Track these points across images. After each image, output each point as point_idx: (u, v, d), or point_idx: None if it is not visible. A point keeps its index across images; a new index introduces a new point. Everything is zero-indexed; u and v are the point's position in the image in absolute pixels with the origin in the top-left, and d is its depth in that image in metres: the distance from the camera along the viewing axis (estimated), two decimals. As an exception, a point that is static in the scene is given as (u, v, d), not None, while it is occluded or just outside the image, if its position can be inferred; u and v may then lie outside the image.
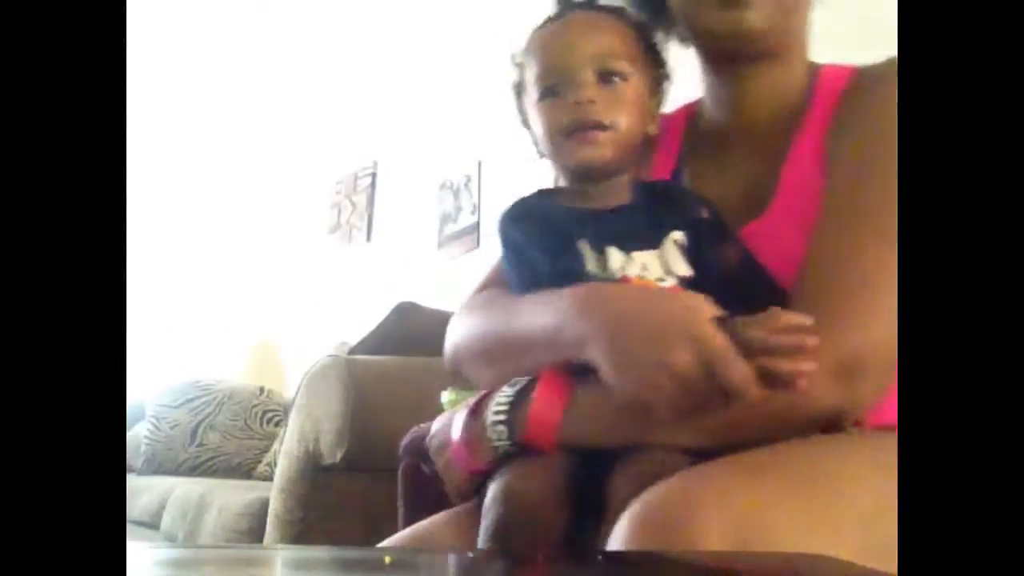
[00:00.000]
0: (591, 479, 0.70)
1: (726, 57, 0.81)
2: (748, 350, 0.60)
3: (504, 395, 0.72)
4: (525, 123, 0.85)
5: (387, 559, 0.51)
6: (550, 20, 0.82)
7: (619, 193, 0.79)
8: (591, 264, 0.73)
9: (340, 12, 3.51)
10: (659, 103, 0.81)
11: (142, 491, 2.69)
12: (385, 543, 0.84)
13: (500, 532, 0.67)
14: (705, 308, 0.63)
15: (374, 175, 3.83)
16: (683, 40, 0.84)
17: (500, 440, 0.71)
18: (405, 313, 1.93)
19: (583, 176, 0.80)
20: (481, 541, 0.68)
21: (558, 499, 0.68)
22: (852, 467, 0.63)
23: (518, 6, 3.04)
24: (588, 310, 0.68)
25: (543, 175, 2.93)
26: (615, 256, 0.73)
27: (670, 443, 0.66)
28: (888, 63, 0.78)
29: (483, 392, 0.76)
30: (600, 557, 0.56)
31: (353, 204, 3.91)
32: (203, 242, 4.57)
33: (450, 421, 0.78)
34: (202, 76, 3.97)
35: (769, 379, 0.60)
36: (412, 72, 3.56)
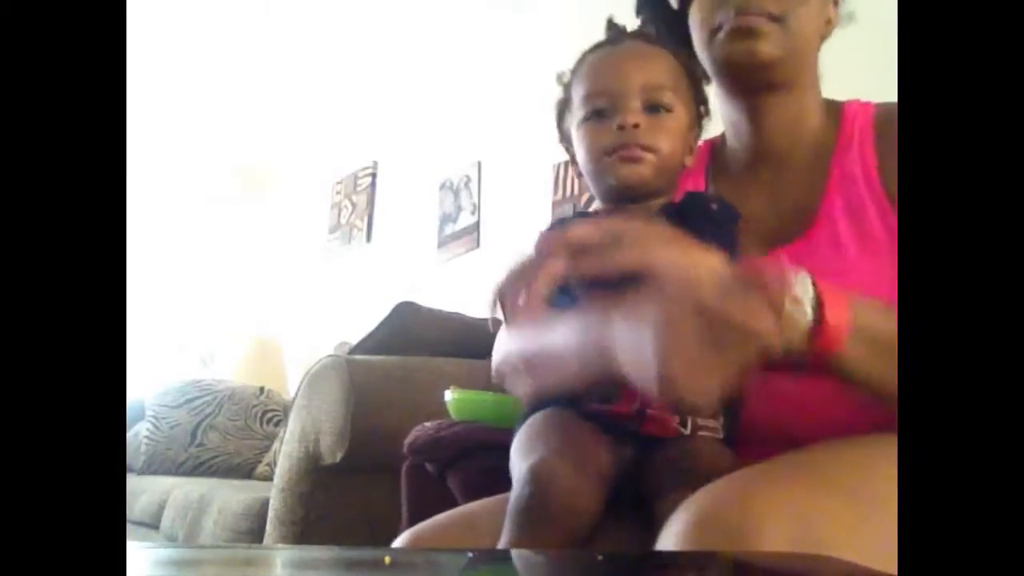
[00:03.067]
0: (628, 469, 0.71)
1: (743, 88, 0.85)
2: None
3: (802, 280, 0.62)
4: (564, 140, 0.87)
5: (387, 559, 0.51)
6: (602, 45, 0.84)
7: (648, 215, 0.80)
8: None
9: (341, 13, 3.51)
10: (698, 136, 0.84)
11: (142, 491, 2.68)
12: (436, 519, 0.84)
13: (526, 512, 0.66)
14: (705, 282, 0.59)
15: (374, 175, 3.83)
16: (705, 77, 0.88)
17: (801, 320, 0.61)
18: (405, 313, 1.93)
19: (620, 197, 0.81)
20: (507, 522, 0.67)
21: (585, 486, 0.67)
22: (885, 470, 0.62)
23: (517, 7, 3.05)
24: (596, 348, 0.64)
25: (543, 176, 2.93)
26: None
27: None
28: None
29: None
30: (600, 558, 0.57)
31: (353, 204, 3.91)
32: (203, 242, 4.57)
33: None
34: (203, 76, 3.97)
35: None
36: (412, 72, 3.56)
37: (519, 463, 0.71)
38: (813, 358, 0.61)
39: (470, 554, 0.52)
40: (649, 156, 0.78)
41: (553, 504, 0.66)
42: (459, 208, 3.15)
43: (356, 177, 3.93)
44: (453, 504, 1.04)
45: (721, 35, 0.81)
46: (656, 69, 0.80)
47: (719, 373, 0.57)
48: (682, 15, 0.86)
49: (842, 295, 0.63)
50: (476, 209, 3.06)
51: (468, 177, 3.13)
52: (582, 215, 0.86)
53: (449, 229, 3.19)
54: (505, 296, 0.66)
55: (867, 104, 0.87)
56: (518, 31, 2.99)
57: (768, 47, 0.80)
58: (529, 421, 0.78)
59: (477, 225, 3.04)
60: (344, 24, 3.57)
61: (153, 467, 3.16)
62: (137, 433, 3.29)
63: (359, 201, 3.88)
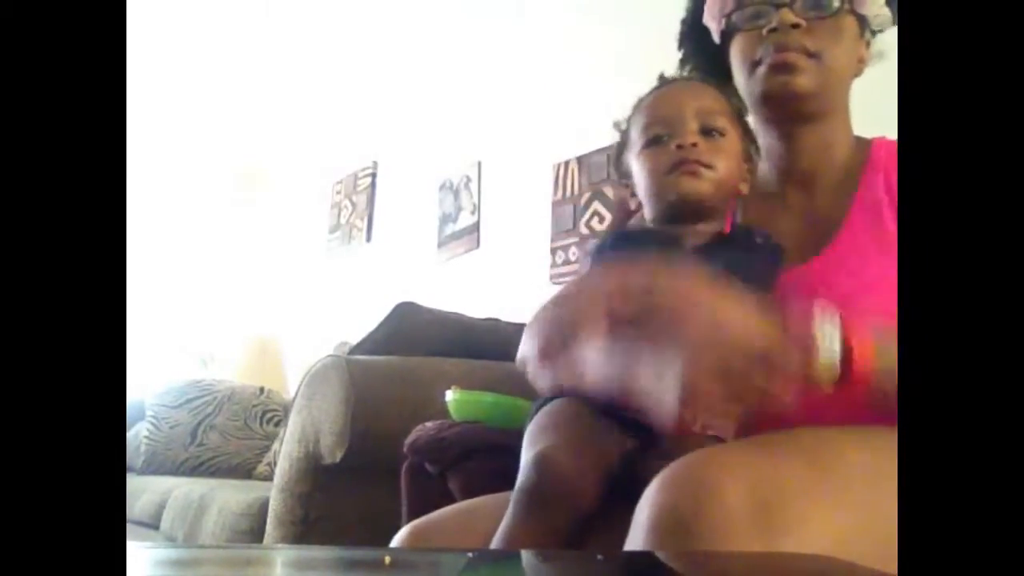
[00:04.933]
0: (632, 462, 0.73)
1: (780, 118, 0.90)
2: None
3: (829, 330, 0.68)
4: (623, 177, 0.92)
5: (387, 559, 0.51)
6: (656, 88, 0.91)
7: (699, 240, 0.84)
8: None
9: (341, 13, 3.51)
10: (751, 170, 0.90)
11: (142, 491, 2.68)
12: (435, 514, 0.88)
13: (530, 495, 0.70)
14: (754, 330, 0.66)
15: (374, 175, 3.83)
16: (744, 107, 0.94)
17: (829, 357, 0.68)
18: (405, 313, 1.93)
19: (678, 215, 0.84)
20: (510, 505, 0.71)
21: (588, 474, 0.71)
22: (855, 450, 0.69)
23: (517, 8, 3.05)
24: (623, 383, 0.70)
25: (543, 176, 2.93)
26: None
27: None
28: None
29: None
30: (600, 557, 0.57)
31: (353, 204, 3.91)
32: (204, 242, 4.57)
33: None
34: (204, 76, 3.97)
35: None
36: (412, 72, 3.56)
37: (527, 451, 0.76)
38: (843, 394, 0.68)
39: (470, 554, 0.52)
40: (708, 172, 0.82)
41: (555, 486, 0.70)
42: (459, 208, 3.15)
43: (356, 177, 3.93)
44: (451, 503, 1.04)
45: (761, 69, 0.86)
46: (709, 97, 0.86)
47: (736, 411, 0.65)
48: (723, 49, 0.92)
49: (868, 333, 0.69)
50: (476, 209, 3.06)
51: (468, 177, 3.13)
52: (623, 235, 0.90)
53: (449, 229, 3.19)
54: (542, 345, 0.73)
55: (894, 141, 0.91)
56: (518, 31, 2.99)
57: (804, 81, 0.85)
58: (540, 413, 0.81)
59: (477, 225, 3.04)
60: (344, 24, 3.57)
61: (153, 467, 3.16)
62: (137, 433, 3.29)
63: (359, 201, 3.88)
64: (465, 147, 3.17)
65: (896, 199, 0.86)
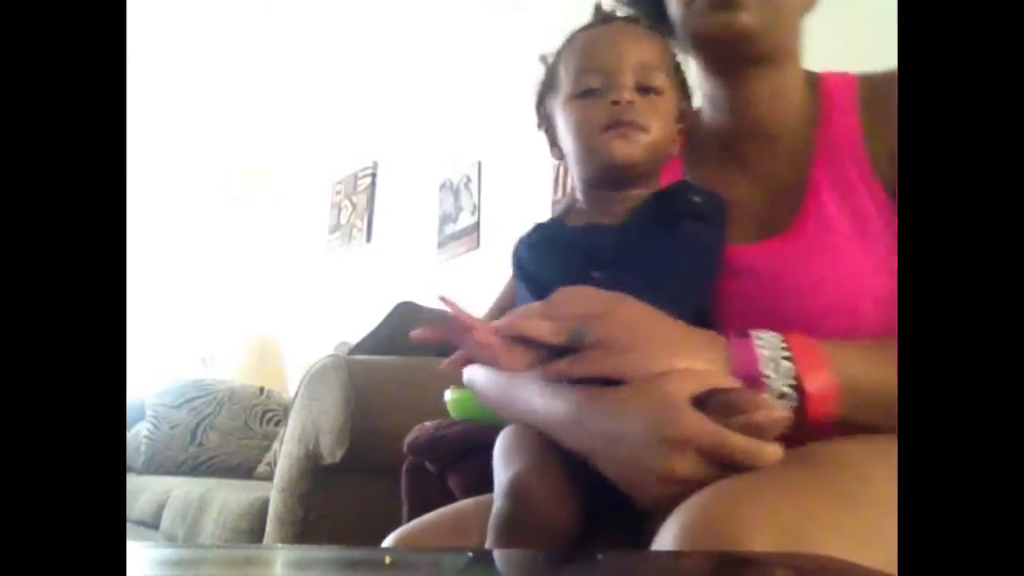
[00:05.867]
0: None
1: (722, 61, 0.80)
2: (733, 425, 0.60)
3: (775, 365, 0.65)
4: (544, 121, 0.86)
5: (387, 559, 0.51)
6: (593, 25, 0.83)
7: (629, 207, 0.79)
8: None
9: (341, 13, 3.51)
10: (681, 130, 0.83)
11: (142, 491, 2.68)
12: (421, 519, 0.85)
13: (506, 526, 0.67)
14: (678, 397, 0.61)
15: (374, 175, 3.83)
16: (682, 50, 0.85)
17: (786, 401, 0.64)
18: (405, 313, 1.93)
19: (608, 177, 0.79)
20: (488, 533, 0.68)
21: (567, 496, 0.67)
22: (881, 471, 0.60)
23: (517, 7, 3.05)
24: (573, 434, 0.67)
25: (543, 176, 2.93)
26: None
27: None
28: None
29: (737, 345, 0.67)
30: (600, 558, 0.56)
31: (353, 204, 3.91)
32: (204, 242, 4.58)
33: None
34: (203, 76, 3.97)
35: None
36: (412, 72, 3.56)
37: (500, 473, 0.71)
38: (808, 427, 0.63)
39: (470, 554, 0.52)
40: (642, 136, 0.77)
41: (530, 518, 0.66)
42: (459, 208, 3.15)
43: (356, 177, 3.93)
44: (451, 502, 1.04)
45: (698, 4, 0.75)
46: (650, 50, 0.79)
47: (699, 482, 0.59)
48: None
49: (821, 355, 0.64)
50: (476, 209, 3.06)
51: (468, 177, 3.13)
52: (540, 241, 0.84)
53: (449, 229, 3.19)
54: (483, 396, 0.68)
55: (847, 75, 0.82)
56: (518, 31, 2.99)
57: (747, 18, 0.74)
58: (511, 428, 0.77)
59: (477, 225, 3.04)
60: (344, 24, 3.57)
61: (153, 467, 3.16)
62: (137, 433, 3.29)
63: (359, 201, 3.88)
64: (465, 147, 3.17)
65: (857, 146, 0.77)
